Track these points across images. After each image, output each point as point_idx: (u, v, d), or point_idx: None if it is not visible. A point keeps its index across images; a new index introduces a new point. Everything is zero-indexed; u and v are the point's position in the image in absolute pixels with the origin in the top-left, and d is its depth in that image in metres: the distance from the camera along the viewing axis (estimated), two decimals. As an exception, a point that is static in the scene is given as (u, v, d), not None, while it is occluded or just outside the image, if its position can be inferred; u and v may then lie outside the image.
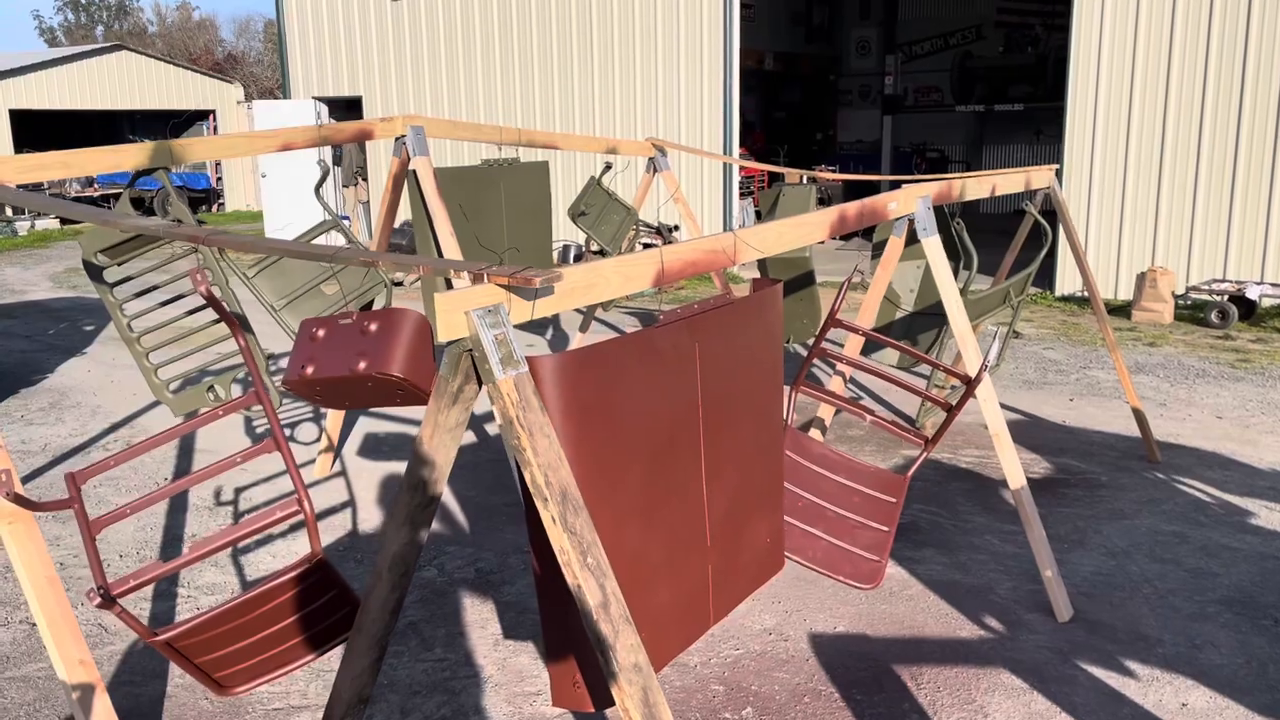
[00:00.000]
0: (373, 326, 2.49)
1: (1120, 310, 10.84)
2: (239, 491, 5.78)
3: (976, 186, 4.75)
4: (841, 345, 4.57)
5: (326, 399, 2.65)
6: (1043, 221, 5.63)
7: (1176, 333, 9.94)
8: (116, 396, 7.94)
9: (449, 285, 5.49)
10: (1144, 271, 10.76)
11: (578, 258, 13.97)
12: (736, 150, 14.10)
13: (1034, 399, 7.55)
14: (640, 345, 2.70)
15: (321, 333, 2.58)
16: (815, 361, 4.39)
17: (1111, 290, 11.45)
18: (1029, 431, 6.74)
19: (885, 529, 3.73)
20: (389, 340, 2.45)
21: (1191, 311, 10.60)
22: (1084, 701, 3.55)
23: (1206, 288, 10.42)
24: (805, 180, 16.84)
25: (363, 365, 2.43)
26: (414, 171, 5.18)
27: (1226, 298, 10.14)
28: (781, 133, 21.24)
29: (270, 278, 4.62)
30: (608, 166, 7.05)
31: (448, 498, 5.64)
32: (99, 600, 2.68)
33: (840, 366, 4.60)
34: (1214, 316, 10.06)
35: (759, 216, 16.18)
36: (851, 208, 3.61)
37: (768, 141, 20.35)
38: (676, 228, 13.73)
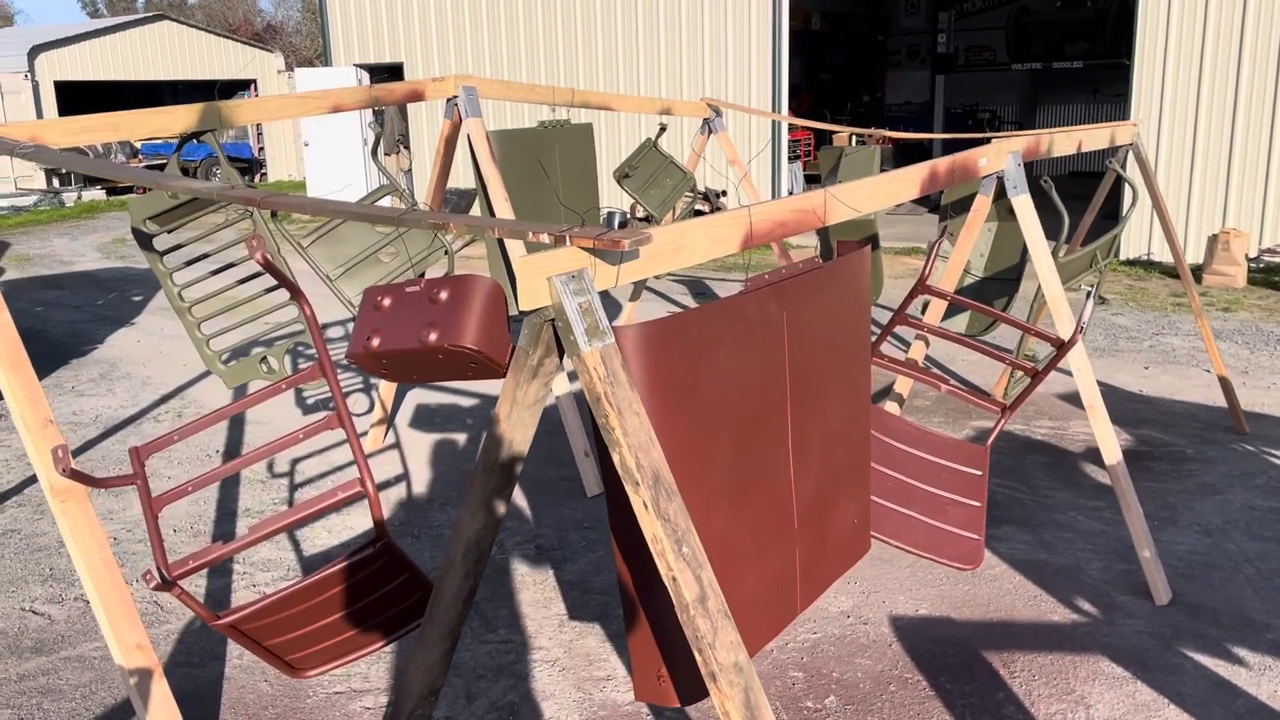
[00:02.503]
0: (443, 295, 2.30)
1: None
2: (294, 463, 5.67)
3: (1065, 141, 4.47)
4: (919, 316, 4.33)
5: (393, 372, 2.47)
6: (1132, 182, 5.34)
7: (1251, 297, 9.53)
8: (166, 367, 7.88)
9: (503, 251, 5.30)
10: (1215, 234, 10.33)
11: (622, 224, 13.73)
12: (785, 112, 13.74)
13: (1107, 367, 7.24)
14: (728, 314, 2.50)
15: (387, 302, 2.39)
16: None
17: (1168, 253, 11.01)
18: (1105, 401, 6.43)
19: (977, 504, 3.52)
20: (461, 309, 2.26)
21: (1265, 275, 10.17)
22: (1192, 692, 3.32)
23: (1282, 250, 9.99)
24: (854, 142, 16.45)
25: (433, 337, 2.25)
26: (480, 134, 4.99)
27: (1304, 260, 9.71)
28: (828, 95, 20.76)
29: (326, 245, 4.46)
30: (663, 128, 6.81)
31: (503, 471, 5.49)
32: (157, 582, 2.56)
33: (920, 335, 4.35)
34: (1291, 280, 9.63)
35: (809, 180, 15.82)
36: (943, 164, 3.36)
37: (814, 104, 19.90)
38: (724, 193, 13.42)
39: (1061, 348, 3.48)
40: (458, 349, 2.25)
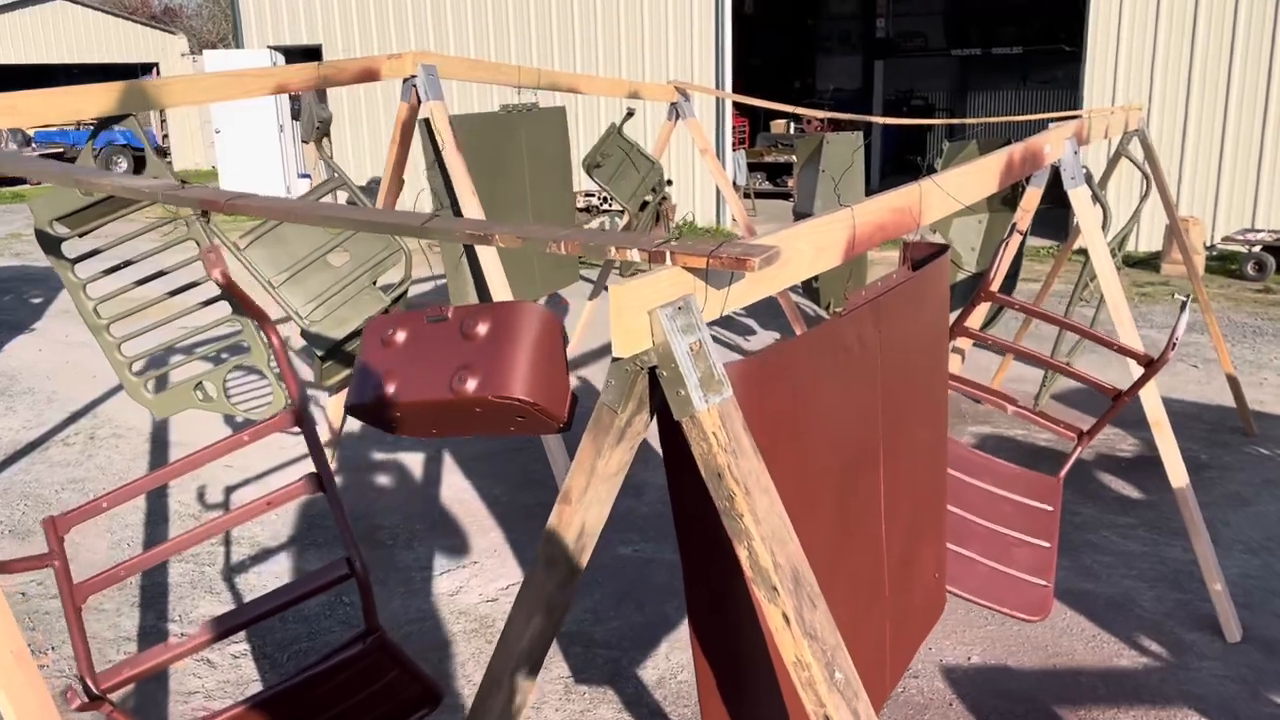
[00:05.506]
0: (480, 328, 1.74)
1: (1146, 263, 10.28)
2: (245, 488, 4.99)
3: (1096, 126, 4.08)
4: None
5: (406, 426, 1.89)
6: (1146, 171, 4.99)
7: (1212, 286, 9.38)
8: (73, 380, 7.06)
9: (472, 261, 4.70)
10: (1172, 222, 10.19)
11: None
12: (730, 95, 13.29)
13: (1087, 366, 6.92)
14: (829, 342, 2.00)
15: (400, 336, 1.83)
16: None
17: (1133, 243, 10.86)
18: (1097, 403, 6.11)
19: (1047, 545, 3.09)
20: (507, 349, 1.71)
21: (1222, 263, 10.06)
22: (1301, 752, 2.94)
23: (1240, 238, 9.88)
24: (792, 128, 15.93)
25: (472, 385, 1.68)
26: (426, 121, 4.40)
27: (1261, 248, 9.60)
28: (759, 81, 20.37)
29: (266, 247, 3.82)
30: (629, 113, 6.27)
31: (471, 497, 4.91)
32: (81, 701, 1.99)
33: (955, 349, 3.91)
34: (1249, 268, 9.52)
35: (751, 169, 15.40)
36: (1016, 151, 2.90)
37: (747, 89, 19.48)
38: (670, 182, 12.91)
39: (1150, 366, 3.06)
40: (505, 401, 1.70)
